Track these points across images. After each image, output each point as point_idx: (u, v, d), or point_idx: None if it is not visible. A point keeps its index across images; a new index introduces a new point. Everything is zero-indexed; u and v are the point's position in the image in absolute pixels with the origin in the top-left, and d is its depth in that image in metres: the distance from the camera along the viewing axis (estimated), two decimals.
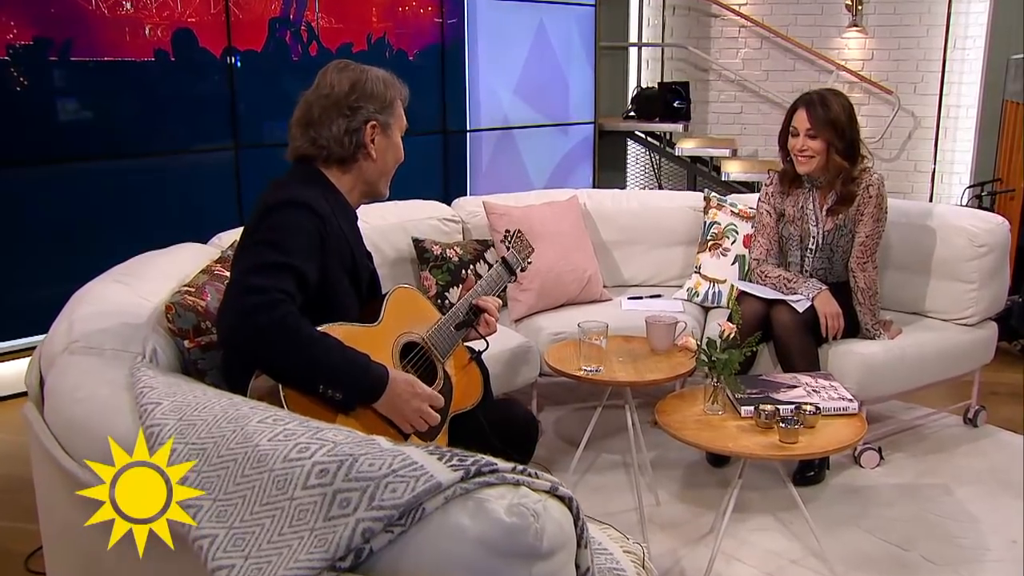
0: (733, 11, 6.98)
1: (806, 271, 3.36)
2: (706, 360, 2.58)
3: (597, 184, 6.18)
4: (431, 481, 1.23)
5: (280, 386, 1.78)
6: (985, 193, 5.28)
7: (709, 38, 7.25)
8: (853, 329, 3.31)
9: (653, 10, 7.26)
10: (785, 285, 3.28)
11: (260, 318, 1.73)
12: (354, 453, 1.30)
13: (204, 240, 3.03)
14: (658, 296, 3.81)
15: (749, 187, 6.49)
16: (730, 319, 3.03)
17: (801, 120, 3.23)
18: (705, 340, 2.64)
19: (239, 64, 4.18)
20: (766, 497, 3.04)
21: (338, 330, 1.89)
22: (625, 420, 2.92)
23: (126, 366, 1.77)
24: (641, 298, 3.78)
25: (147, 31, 3.93)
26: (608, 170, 6.80)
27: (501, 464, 1.31)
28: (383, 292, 2.19)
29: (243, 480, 1.31)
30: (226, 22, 4.11)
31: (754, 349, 2.66)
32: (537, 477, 1.34)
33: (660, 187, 7.32)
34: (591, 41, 5.87)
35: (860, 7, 6.70)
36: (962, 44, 6.45)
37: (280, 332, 1.73)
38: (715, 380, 2.60)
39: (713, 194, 3.93)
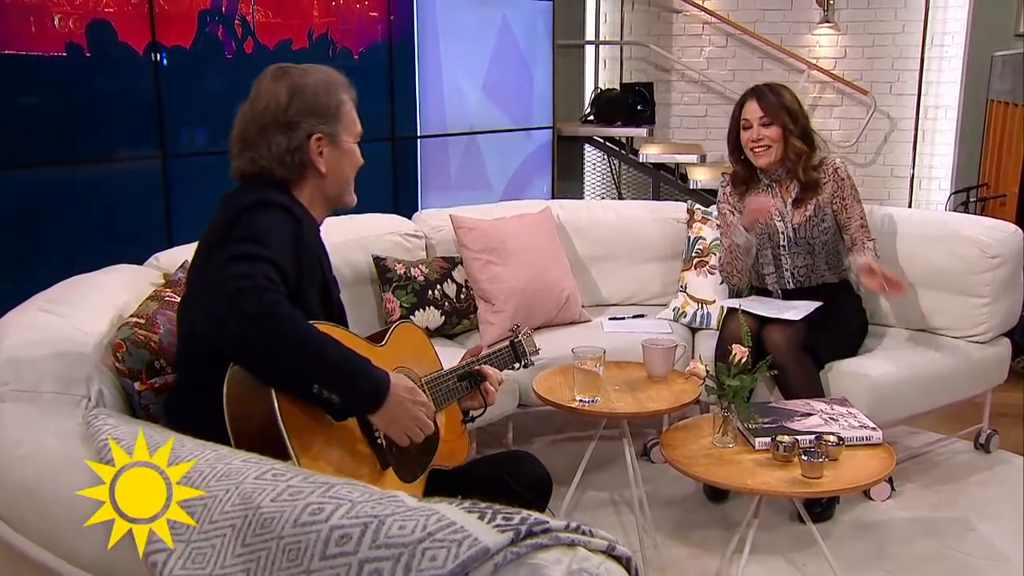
0: (696, 6, 7.02)
1: (784, 271, 3.36)
2: (716, 387, 2.53)
3: (556, 194, 6.13)
4: (477, 546, 1.13)
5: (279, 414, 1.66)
6: (974, 199, 5.37)
7: (671, 35, 7.27)
8: (850, 348, 3.31)
9: (610, 5, 7.26)
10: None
11: (247, 303, 1.63)
12: (379, 514, 1.20)
13: (134, 260, 2.88)
14: (641, 316, 3.76)
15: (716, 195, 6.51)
16: (729, 337, 3.03)
17: (752, 111, 3.29)
18: (715, 365, 2.58)
19: (165, 61, 4.00)
20: (774, 535, 2.99)
21: (337, 332, 1.83)
22: (611, 453, 2.86)
23: (74, 413, 1.64)
24: (623, 319, 3.72)
25: (56, 21, 3.73)
26: (564, 178, 6.75)
27: (553, 523, 1.22)
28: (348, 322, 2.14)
29: (245, 551, 1.19)
30: (149, 13, 3.93)
31: (768, 374, 2.62)
32: (591, 535, 1.25)
33: (620, 196, 7.31)
34: (548, 39, 5.81)
35: (832, 2, 6.80)
36: (940, 41, 6.58)
37: (270, 320, 1.63)
38: (725, 409, 2.55)
39: (697, 206, 3.91)
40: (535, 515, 1.23)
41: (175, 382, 1.98)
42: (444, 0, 5.10)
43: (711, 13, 7.03)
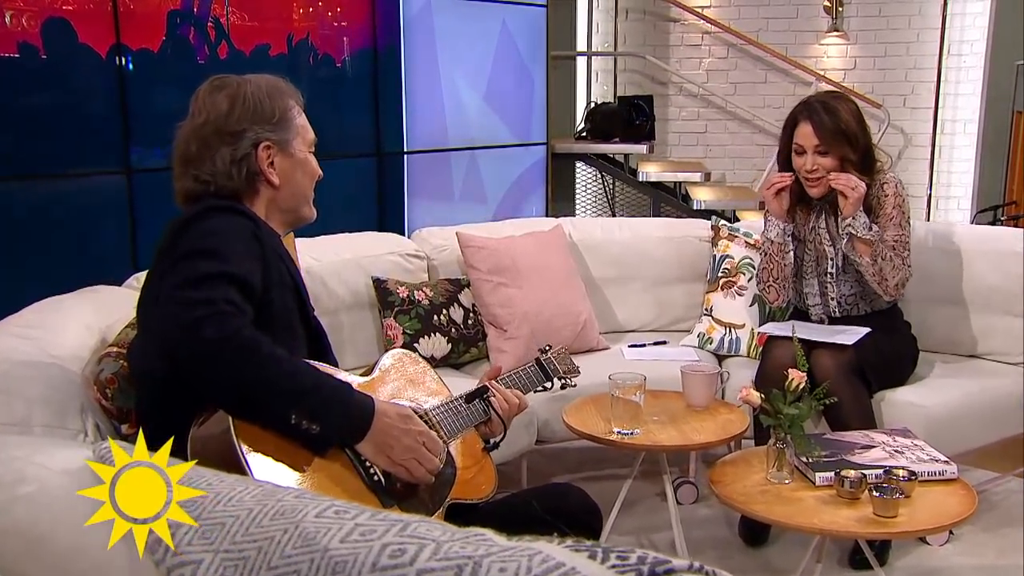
0: (696, 14, 7.03)
1: (830, 299, 3.29)
2: (773, 416, 2.44)
3: (550, 214, 6.07)
4: None
5: (231, 425, 1.61)
6: (1002, 218, 5.37)
7: (668, 46, 7.29)
8: (900, 376, 3.25)
9: (603, 14, 7.26)
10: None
11: (207, 331, 1.61)
12: (471, 555, 1.09)
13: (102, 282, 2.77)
14: (663, 343, 3.70)
15: (720, 217, 6.47)
16: (774, 364, 2.97)
17: (806, 135, 3.16)
18: (770, 392, 2.50)
19: (131, 66, 3.90)
20: None
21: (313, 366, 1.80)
22: (632, 493, 2.79)
23: (74, 448, 1.52)
24: (644, 345, 3.65)
25: (8, 19, 3.63)
26: (556, 198, 6.71)
27: (676, 562, 1.12)
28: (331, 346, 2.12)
29: None
30: (113, 13, 3.82)
31: (828, 402, 2.54)
32: None
33: (614, 216, 7.27)
34: (541, 50, 5.77)
35: (840, 9, 6.84)
36: (958, 50, 6.64)
37: (235, 347, 1.61)
38: (780, 441, 2.47)
39: (722, 222, 3.86)
40: (652, 554, 1.13)
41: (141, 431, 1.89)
42: (436, 3, 5.04)
43: (711, 22, 7.05)
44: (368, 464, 1.75)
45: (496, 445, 2.18)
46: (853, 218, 3.09)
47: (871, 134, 3.28)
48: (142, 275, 2.76)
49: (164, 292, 1.69)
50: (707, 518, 3.34)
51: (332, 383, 1.72)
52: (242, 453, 1.59)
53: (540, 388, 2.37)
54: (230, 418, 1.61)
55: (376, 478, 1.76)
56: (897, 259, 3.14)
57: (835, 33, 6.93)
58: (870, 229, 3.10)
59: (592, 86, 7.31)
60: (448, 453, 2.00)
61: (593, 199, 7.35)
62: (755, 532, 3.13)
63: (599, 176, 7.11)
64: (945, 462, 2.51)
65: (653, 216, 6.72)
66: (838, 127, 3.13)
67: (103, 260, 3.76)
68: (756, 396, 2.51)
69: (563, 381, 2.42)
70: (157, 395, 1.80)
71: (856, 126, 3.17)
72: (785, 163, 3.28)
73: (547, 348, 2.46)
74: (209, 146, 1.89)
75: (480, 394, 2.13)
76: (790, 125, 3.24)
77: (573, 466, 3.81)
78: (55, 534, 1.31)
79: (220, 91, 1.93)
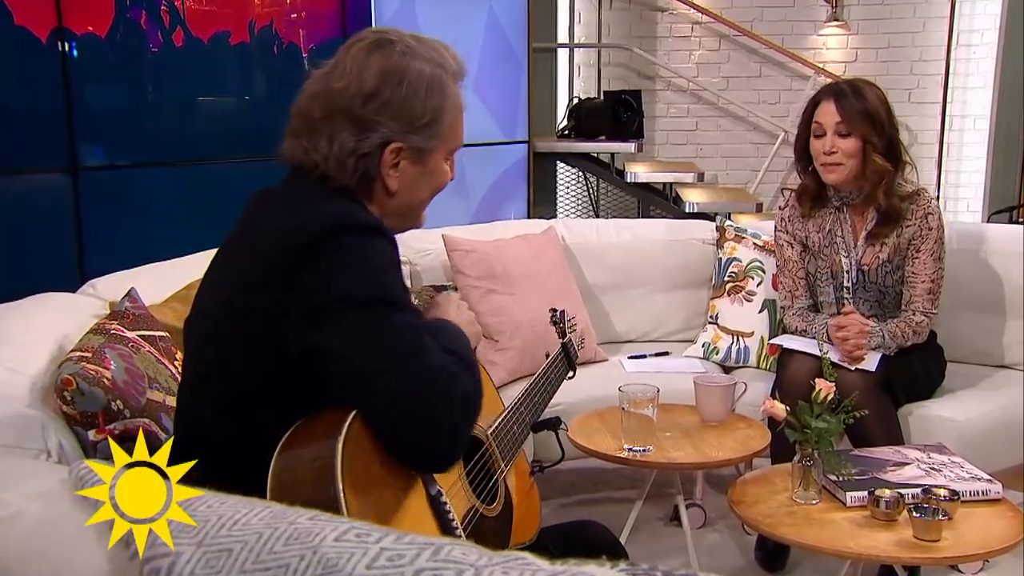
0: (685, 2, 7.04)
1: None
2: (799, 431, 2.41)
3: (531, 217, 6.04)
4: None
5: (339, 455, 1.44)
6: (1021, 220, 5.40)
7: (655, 37, 7.30)
8: (928, 390, 3.23)
9: (586, 3, 7.25)
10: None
11: (461, 395, 1.58)
12: None
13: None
14: (666, 353, 3.67)
15: (712, 220, 6.47)
16: (793, 377, 2.95)
17: (827, 114, 3.14)
18: (794, 404, 2.47)
19: (75, 53, 3.83)
20: None
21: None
22: (633, 519, 2.81)
23: (41, 470, 1.46)
24: (645, 357, 3.62)
25: None
26: (536, 201, 6.68)
27: None
28: None
29: None
30: None
31: (857, 415, 2.51)
32: None
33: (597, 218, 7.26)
34: (522, 42, 5.74)
35: None
36: (968, 40, 6.68)
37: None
38: (807, 458, 2.43)
39: (728, 223, 3.84)
40: None
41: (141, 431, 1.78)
42: None
43: (702, 11, 7.07)
44: (448, 510, 1.63)
45: (543, 469, 2.08)
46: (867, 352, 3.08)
47: (899, 129, 3.26)
48: (100, 282, 2.72)
49: (368, 364, 1.51)
50: (716, 543, 3.31)
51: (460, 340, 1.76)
52: (341, 487, 1.44)
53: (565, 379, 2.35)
54: (340, 446, 1.45)
55: (453, 524, 1.63)
56: (922, 314, 3.15)
57: (835, 23, 6.96)
58: (883, 340, 3.10)
59: (574, 81, 7.29)
60: (506, 488, 1.87)
61: (575, 201, 7.33)
62: (773, 557, 3.08)
63: (581, 176, 7.09)
64: (988, 481, 2.49)
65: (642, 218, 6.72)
66: (864, 107, 3.11)
67: (44, 266, 3.70)
68: (782, 408, 2.47)
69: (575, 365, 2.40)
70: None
71: (883, 111, 3.15)
72: (802, 152, 3.26)
73: (555, 311, 2.46)
74: (333, 120, 1.64)
75: (552, 426, 2.13)
76: (811, 106, 3.22)
77: (567, 488, 3.75)
78: (33, 564, 1.25)
79: (376, 55, 1.67)
